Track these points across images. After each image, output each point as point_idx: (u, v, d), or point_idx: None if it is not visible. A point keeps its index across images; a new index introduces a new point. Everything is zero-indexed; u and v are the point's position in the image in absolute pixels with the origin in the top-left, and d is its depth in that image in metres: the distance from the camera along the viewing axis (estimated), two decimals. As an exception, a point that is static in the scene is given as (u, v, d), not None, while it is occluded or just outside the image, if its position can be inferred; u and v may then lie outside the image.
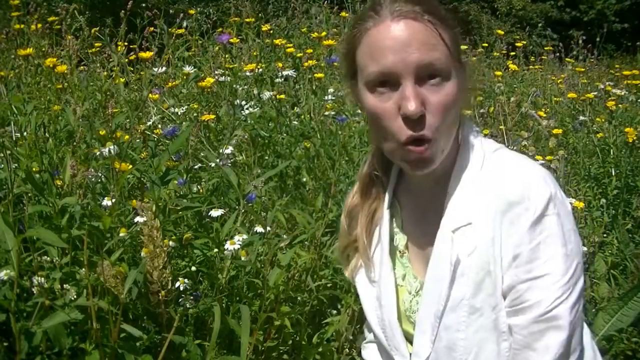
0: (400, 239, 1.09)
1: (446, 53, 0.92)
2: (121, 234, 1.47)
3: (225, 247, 1.49)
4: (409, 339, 1.06)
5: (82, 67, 3.15)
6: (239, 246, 1.48)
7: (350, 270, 1.14)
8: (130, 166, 1.56)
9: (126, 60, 2.50)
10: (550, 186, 0.92)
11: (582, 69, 4.73)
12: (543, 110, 3.40)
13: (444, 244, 0.97)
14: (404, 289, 1.08)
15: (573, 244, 0.92)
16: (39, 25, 2.84)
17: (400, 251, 1.09)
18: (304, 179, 2.19)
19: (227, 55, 2.93)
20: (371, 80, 0.93)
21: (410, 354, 1.04)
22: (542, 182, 0.92)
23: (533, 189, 0.91)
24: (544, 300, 0.90)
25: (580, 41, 5.17)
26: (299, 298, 1.73)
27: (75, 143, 1.79)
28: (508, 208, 0.91)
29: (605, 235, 2.37)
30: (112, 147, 1.54)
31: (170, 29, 2.83)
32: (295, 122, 2.43)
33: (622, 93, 3.34)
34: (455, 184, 0.99)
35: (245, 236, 1.52)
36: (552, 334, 0.90)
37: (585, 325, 1.01)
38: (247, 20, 3.72)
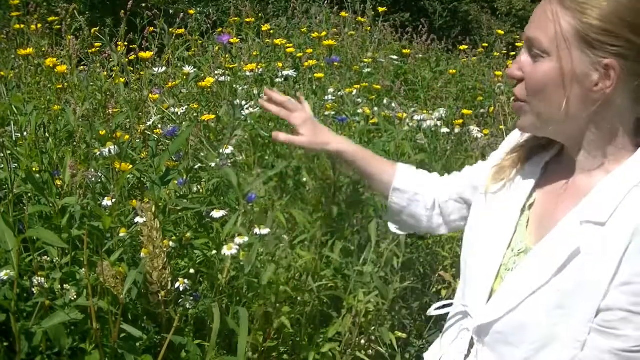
0: (530, 199, 1.08)
1: (552, 36, 0.95)
2: (121, 234, 1.47)
3: (223, 252, 1.48)
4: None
5: (82, 67, 3.15)
6: (235, 251, 1.47)
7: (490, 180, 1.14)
8: (131, 166, 1.56)
9: (126, 60, 2.49)
10: None
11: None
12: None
13: (569, 229, 0.95)
14: None
15: None
16: (39, 25, 2.84)
17: (524, 209, 1.08)
18: (304, 179, 2.19)
19: (227, 55, 2.93)
20: None
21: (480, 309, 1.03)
22: None
23: None
24: (634, 338, 0.87)
25: (581, 41, 5.15)
26: (299, 298, 1.73)
27: (75, 143, 1.79)
28: None
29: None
30: (112, 147, 1.54)
31: (170, 29, 2.83)
32: (296, 122, 2.43)
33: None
34: (609, 182, 0.96)
35: (246, 238, 1.52)
36: None
37: None
38: (247, 20, 3.72)
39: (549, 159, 1.10)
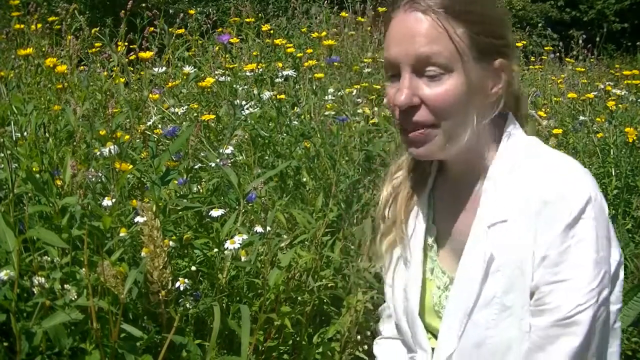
0: (431, 232, 1.09)
1: (450, 48, 0.92)
2: (121, 234, 1.47)
3: (225, 246, 1.49)
4: (434, 334, 1.06)
5: (82, 67, 3.15)
6: (239, 245, 1.48)
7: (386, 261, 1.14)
8: (131, 166, 1.56)
9: (126, 60, 2.49)
10: (590, 188, 0.90)
11: (582, 69, 4.73)
12: (543, 110, 3.40)
13: (479, 240, 0.96)
14: (433, 283, 1.07)
15: (604, 251, 0.90)
16: (39, 25, 2.84)
17: (429, 244, 1.09)
18: (304, 179, 2.19)
19: (227, 55, 2.93)
20: (385, 68, 0.98)
21: (433, 349, 1.03)
22: (581, 183, 0.90)
23: (571, 189, 0.89)
24: (565, 305, 0.88)
25: (580, 41, 5.17)
26: (299, 298, 1.73)
27: (75, 143, 1.79)
28: (544, 207, 0.90)
29: (605, 235, 2.36)
30: (112, 147, 1.54)
31: (170, 29, 2.83)
32: (295, 122, 2.43)
33: (622, 93, 3.33)
34: (493, 180, 0.98)
35: (245, 236, 1.52)
36: (566, 339, 0.88)
37: (616, 340, 0.99)
38: (247, 20, 3.72)
39: (432, 186, 1.10)
